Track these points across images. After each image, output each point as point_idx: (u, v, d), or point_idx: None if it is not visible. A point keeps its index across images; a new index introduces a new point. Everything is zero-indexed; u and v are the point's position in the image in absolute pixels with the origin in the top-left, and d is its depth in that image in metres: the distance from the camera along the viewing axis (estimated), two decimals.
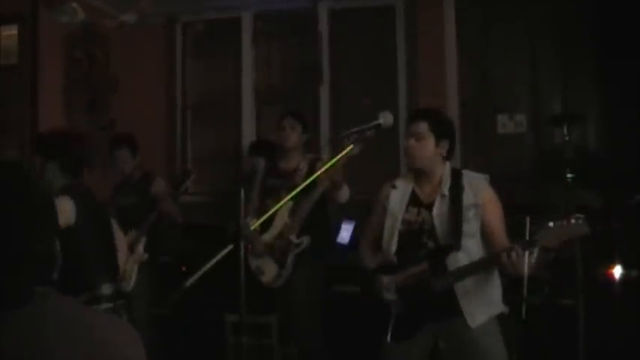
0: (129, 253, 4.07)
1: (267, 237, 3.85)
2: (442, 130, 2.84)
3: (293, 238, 3.74)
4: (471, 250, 2.76)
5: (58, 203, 2.65)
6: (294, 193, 2.81)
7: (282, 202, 2.77)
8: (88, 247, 2.76)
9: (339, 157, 2.75)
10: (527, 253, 2.52)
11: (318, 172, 2.75)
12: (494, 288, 2.84)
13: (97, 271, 2.79)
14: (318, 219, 3.81)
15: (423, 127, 2.81)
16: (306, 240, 3.75)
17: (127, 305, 2.89)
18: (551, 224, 2.53)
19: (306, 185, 2.87)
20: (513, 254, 2.51)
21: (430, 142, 2.81)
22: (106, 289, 2.78)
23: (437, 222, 2.79)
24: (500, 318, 2.83)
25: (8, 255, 1.10)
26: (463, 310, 2.72)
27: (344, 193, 3.75)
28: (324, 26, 5.43)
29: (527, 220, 3.92)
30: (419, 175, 2.90)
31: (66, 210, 2.71)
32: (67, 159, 2.88)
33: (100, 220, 2.89)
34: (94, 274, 2.77)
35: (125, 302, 2.88)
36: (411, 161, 2.86)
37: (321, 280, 3.84)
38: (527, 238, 2.58)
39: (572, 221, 2.51)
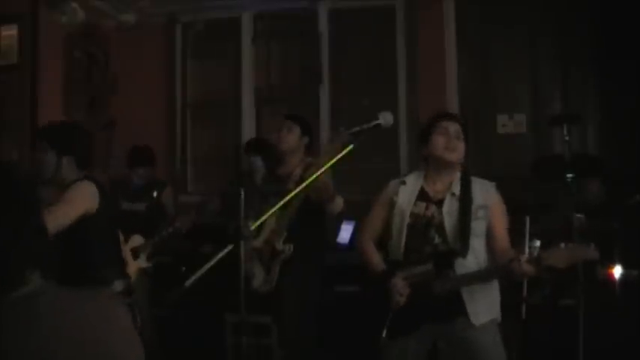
0: (132, 259, 4.08)
1: (257, 242, 3.81)
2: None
3: (277, 244, 3.68)
4: (477, 250, 2.81)
5: (83, 186, 2.67)
6: (284, 200, 2.73)
7: (274, 209, 2.73)
8: (103, 237, 2.74)
9: (338, 157, 2.74)
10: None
11: (315, 175, 2.71)
12: (495, 293, 2.88)
13: (108, 267, 2.78)
14: (307, 225, 3.67)
15: (459, 127, 2.92)
16: (288, 248, 3.67)
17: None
18: (562, 245, 2.59)
19: (298, 191, 2.81)
20: (524, 264, 2.58)
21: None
22: (119, 285, 2.77)
23: (446, 219, 2.84)
24: (498, 324, 2.86)
25: None
26: (467, 309, 2.74)
27: (336, 205, 3.64)
28: (324, 26, 5.43)
29: (527, 220, 3.92)
30: (437, 171, 2.94)
31: (91, 193, 2.68)
32: (83, 153, 2.81)
33: (111, 214, 2.87)
34: (106, 269, 2.76)
35: (135, 299, 2.89)
36: (455, 156, 2.90)
37: (312, 286, 3.74)
38: (535, 254, 2.61)
39: (582, 245, 2.61)
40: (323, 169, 2.67)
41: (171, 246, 4.74)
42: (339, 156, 2.57)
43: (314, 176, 2.65)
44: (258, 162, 4.38)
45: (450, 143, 2.87)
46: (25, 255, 1.13)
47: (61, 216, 2.56)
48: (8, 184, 1.16)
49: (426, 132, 2.95)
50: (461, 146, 2.90)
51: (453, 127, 2.90)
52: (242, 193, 2.78)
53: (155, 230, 4.22)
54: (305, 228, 3.67)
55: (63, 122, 2.95)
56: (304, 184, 2.75)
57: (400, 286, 2.78)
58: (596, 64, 4.83)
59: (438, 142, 2.89)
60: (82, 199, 2.69)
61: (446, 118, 2.98)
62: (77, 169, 2.80)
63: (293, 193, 2.76)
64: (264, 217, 2.80)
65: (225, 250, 2.44)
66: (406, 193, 2.94)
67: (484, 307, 2.79)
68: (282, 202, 2.67)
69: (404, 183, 2.97)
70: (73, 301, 1.17)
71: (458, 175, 2.92)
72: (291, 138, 3.86)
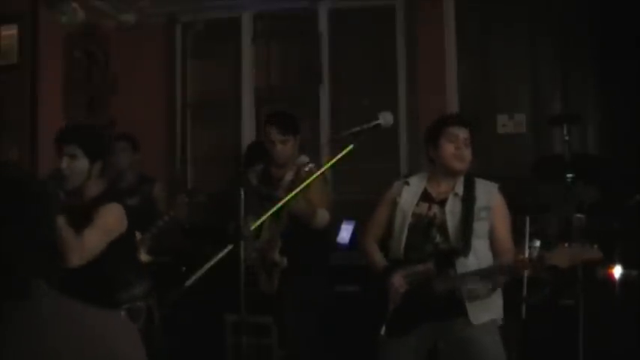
0: None
1: (259, 244, 3.78)
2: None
3: (275, 255, 3.65)
4: (479, 251, 2.81)
5: (115, 212, 2.63)
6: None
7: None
8: (130, 250, 2.76)
9: (337, 157, 2.74)
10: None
11: (314, 176, 2.70)
12: (497, 293, 2.86)
13: (132, 272, 2.80)
14: (304, 230, 3.59)
15: (468, 134, 2.90)
16: (283, 261, 3.63)
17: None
18: (566, 245, 2.61)
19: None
20: (526, 264, 2.65)
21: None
22: (139, 288, 2.79)
23: (449, 218, 2.85)
24: (500, 326, 2.86)
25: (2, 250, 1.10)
26: (467, 308, 2.73)
27: (320, 219, 3.54)
28: (324, 26, 5.42)
29: (527, 220, 3.92)
30: (442, 175, 2.95)
31: (123, 217, 2.66)
32: (109, 159, 2.75)
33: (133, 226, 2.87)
34: (130, 274, 2.77)
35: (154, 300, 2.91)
36: (464, 165, 2.91)
37: (316, 287, 3.72)
38: (535, 254, 2.64)
39: (586, 245, 2.62)
40: (322, 170, 2.68)
41: (172, 246, 4.74)
42: (339, 156, 2.57)
43: (311, 178, 2.66)
44: (259, 168, 4.34)
45: (459, 152, 2.87)
46: (31, 266, 1.13)
47: (98, 244, 2.54)
48: (20, 194, 1.16)
49: (435, 134, 2.93)
50: (469, 153, 2.90)
51: (463, 135, 2.89)
52: (242, 193, 2.77)
53: (151, 223, 4.20)
54: (301, 234, 3.61)
55: (90, 125, 2.85)
56: (293, 193, 2.74)
57: (397, 282, 2.78)
58: (596, 64, 4.83)
59: (448, 149, 2.88)
60: (118, 226, 2.64)
61: (456, 123, 2.95)
62: (101, 179, 2.70)
63: (282, 202, 2.74)
64: (259, 222, 2.80)
65: (225, 250, 2.44)
66: (409, 193, 2.95)
67: (484, 306, 2.78)
68: (272, 210, 2.67)
69: (407, 184, 2.99)
70: (75, 305, 1.17)
71: (462, 176, 2.93)
72: (287, 149, 3.79)
